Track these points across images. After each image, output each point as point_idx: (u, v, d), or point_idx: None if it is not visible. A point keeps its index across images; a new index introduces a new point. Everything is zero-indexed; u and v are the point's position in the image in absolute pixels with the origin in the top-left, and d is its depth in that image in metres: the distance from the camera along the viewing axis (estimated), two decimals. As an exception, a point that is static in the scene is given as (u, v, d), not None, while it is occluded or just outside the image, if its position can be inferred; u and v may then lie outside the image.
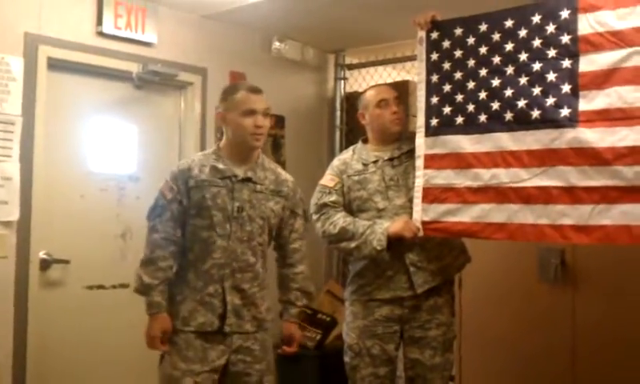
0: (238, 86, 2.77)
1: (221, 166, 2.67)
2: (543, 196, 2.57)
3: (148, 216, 2.69)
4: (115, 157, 3.83)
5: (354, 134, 4.81)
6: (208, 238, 2.62)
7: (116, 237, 3.78)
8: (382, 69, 4.93)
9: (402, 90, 4.42)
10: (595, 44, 2.50)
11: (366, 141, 3.13)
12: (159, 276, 2.60)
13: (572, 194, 2.51)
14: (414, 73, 4.65)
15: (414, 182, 2.92)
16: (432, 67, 2.88)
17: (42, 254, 3.48)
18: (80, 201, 3.66)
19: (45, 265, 3.51)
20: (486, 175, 2.71)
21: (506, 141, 2.67)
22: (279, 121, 4.70)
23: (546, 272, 3.52)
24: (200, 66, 4.16)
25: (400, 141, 3.06)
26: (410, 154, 2.99)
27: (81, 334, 3.63)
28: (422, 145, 2.89)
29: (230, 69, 4.35)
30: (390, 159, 3.00)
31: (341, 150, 4.79)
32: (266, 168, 2.76)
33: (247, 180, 2.68)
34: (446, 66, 2.83)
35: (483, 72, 2.73)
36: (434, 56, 2.87)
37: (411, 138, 3.05)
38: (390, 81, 4.81)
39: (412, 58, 4.61)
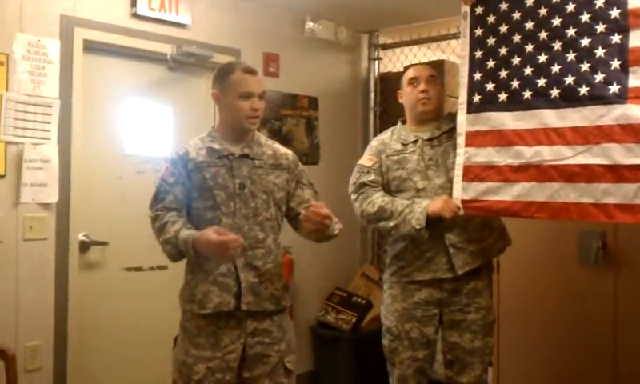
0: (233, 67, 2.66)
1: (217, 146, 2.60)
2: (586, 174, 2.52)
3: (151, 205, 2.61)
4: (151, 139, 3.84)
5: (388, 114, 4.79)
6: (213, 218, 2.55)
7: (153, 219, 3.79)
8: (417, 48, 4.88)
9: (437, 69, 4.36)
10: None
11: (405, 121, 3.09)
12: (177, 226, 2.49)
13: (616, 173, 2.45)
14: (449, 52, 4.63)
15: (453, 162, 2.89)
16: (476, 43, 2.83)
17: (81, 236, 3.52)
18: (117, 183, 3.68)
19: (84, 247, 3.54)
20: (528, 153, 2.66)
21: (550, 118, 2.61)
22: (313, 102, 4.67)
23: (586, 255, 3.45)
24: (233, 47, 4.14)
25: (439, 120, 3.02)
26: (450, 133, 2.95)
27: (120, 316, 3.67)
28: (463, 122, 2.85)
29: (263, 50, 4.34)
30: (430, 139, 2.97)
31: (375, 132, 4.78)
32: (262, 144, 2.69)
33: (245, 156, 2.61)
34: (491, 41, 2.78)
35: (529, 48, 2.68)
36: (479, 31, 2.82)
37: (451, 117, 3.02)
38: (425, 60, 4.74)
39: (447, 37, 4.57)
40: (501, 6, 2.76)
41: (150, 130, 3.84)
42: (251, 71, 2.62)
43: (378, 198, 2.92)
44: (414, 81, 2.99)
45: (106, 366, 3.64)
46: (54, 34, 3.36)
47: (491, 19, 2.78)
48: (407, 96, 3.02)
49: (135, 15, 3.66)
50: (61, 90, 3.36)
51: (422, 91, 2.96)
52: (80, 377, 3.48)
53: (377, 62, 5.00)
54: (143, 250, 3.74)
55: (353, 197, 3.00)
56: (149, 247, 3.72)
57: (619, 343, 3.37)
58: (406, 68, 3.27)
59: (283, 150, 2.76)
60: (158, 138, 3.87)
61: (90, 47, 3.51)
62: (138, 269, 3.77)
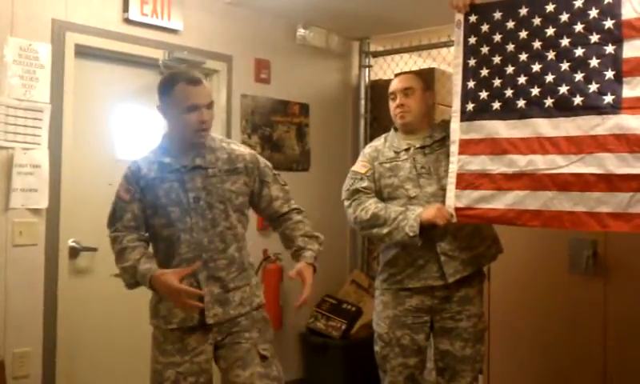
0: (176, 78, 2.48)
1: (167, 159, 2.50)
2: (580, 183, 2.53)
3: (108, 224, 2.53)
4: (142, 144, 3.82)
5: (378, 122, 4.80)
6: (171, 235, 2.48)
7: (142, 225, 3.76)
8: (408, 56, 4.91)
9: (427, 77, 4.39)
10: (639, 29, 2.44)
11: (397, 128, 3.10)
12: (136, 254, 2.42)
13: (609, 182, 2.47)
14: (440, 60, 4.66)
15: (445, 170, 2.90)
16: (469, 51, 2.84)
17: (70, 242, 3.49)
18: (108, 189, 3.60)
19: (73, 253, 3.52)
20: (522, 161, 2.67)
21: (544, 127, 2.63)
22: (303, 109, 4.68)
23: (577, 263, 3.47)
24: (225, 53, 4.14)
25: (431, 128, 3.03)
26: (442, 142, 2.97)
27: (108, 322, 3.64)
28: (457, 130, 2.85)
29: (254, 56, 4.34)
30: (422, 147, 2.98)
31: (365, 139, 4.80)
32: (216, 149, 2.55)
33: (197, 168, 2.50)
34: (484, 50, 2.79)
35: (523, 57, 2.69)
36: (472, 40, 2.83)
37: (443, 126, 3.03)
38: (415, 68, 4.77)
39: (438, 46, 4.60)
40: (495, 14, 2.77)
41: (142, 135, 3.82)
42: (195, 81, 2.46)
43: (372, 205, 2.92)
44: (391, 95, 3.03)
45: (95, 372, 3.61)
46: (45, 39, 3.34)
47: (485, 28, 2.80)
48: (389, 109, 3.05)
49: (127, 20, 3.65)
50: (52, 95, 3.34)
51: (398, 106, 2.98)
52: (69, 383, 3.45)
53: (367, 69, 5.02)
54: (133, 256, 3.73)
55: (346, 203, 3.01)
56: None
57: (609, 351, 3.39)
58: (397, 75, 3.28)
59: (239, 150, 2.61)
60: (149, 144, 3.84)
61: (82, 52, 3.49)
62: (128, 275, 3.73)
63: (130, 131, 3.77)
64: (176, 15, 3.85)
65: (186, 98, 2.42)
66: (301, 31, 4.57)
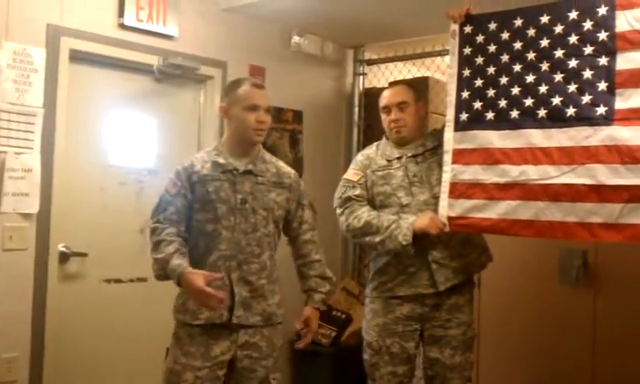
0: (242, 81, 2.77)
1: (222, 160, 2.67)
2: (571, 194, 2.55)
3: (152, 215, 2.66)
4: (135, 150, 3.82)
5: (372, 129, 4.80)
6: (213, 230, 2.62)
7: (134, 231, 3.73)
8: (402, 65, 4.91)
9: (421, 86, 4.40)
10: (633, 42, 2.47)
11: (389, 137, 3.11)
12: (170, 248, 2.52)
13: (600, 193, 2.49)
14: (434, 69, 4.67)
15: (437, 179, 2.91)
16: (464, 61, 2.86)
17: (60, 247, 3.46)
18: (99, 194, 3.65)
19: (63, 258, 3.48)
20: (514, 172, 2.69)
21: (537, 137, 2.65)
22: (297, 116, 4.68)
23: (567, 273, 3.50)
24: (220, 59, 4.14)
25: (424, 137, 3.04)
26: (434, 151, 2.98)
27: (98, 328, 3.61)
28: (450, 139, 2.87)
29: (249, 63, 4.33)
30: (414, 156, 2.99)
31: (358, 146, 4.80)
32: (267, 161, 2.76)
33: (248, 172, 2.68)
34: (479, 60, 2.81)
35: (517, 68, 2.71)
36: (467, 50, 2.85)
37: (435, 135, 3.05)
38: (409, 77, 4.78)
39: (432, 54, 4.61)
40: (490, 25, 2.79)
41: (135, 141, 3.82)
42: (258, 85, 2.74)
43: (364, 213, 2.93)
44: (385, 109, 3.03)
45: (83, 378, 3.58)
46: (39, 43, 3.32)
47: (480, 39, 2.82)
48: (383, 122, 3.06)
49: (122, 26, 3.63)
50: (45, 100, 3.32)
51: (393, 121, 2.99)
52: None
53: (362, 77, 5.02)
54: (123, 261, 3.72)
55: (338, 211, 3.01)
56: (129, 259, 3.74)
57: (597, 361, 3.41)
58: (389, 84, 3.28)
59: (286, 168, 2.83)
60: (141, 150, 3.85)
61: (76, 57, 3.48)
62: (118, 280, 3.72)
63: (123, 137, 3.77)
64: (171, 21, 3.85)
65: (248, 97, 2.67)
66: (296, 38, 4.58)
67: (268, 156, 2.81)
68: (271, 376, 2.70)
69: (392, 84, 4.49)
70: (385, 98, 3.05)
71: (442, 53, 4.38)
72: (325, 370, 4.36)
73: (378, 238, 2.88)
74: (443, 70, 4.39)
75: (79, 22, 3.48)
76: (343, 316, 4.51)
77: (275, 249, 2.77)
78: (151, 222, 2.64)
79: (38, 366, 3.33)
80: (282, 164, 2.84)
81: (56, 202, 3.38)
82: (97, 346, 3.62)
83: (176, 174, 2.68)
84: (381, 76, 5.01)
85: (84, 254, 3.56)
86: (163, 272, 2.52)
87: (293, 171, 2.85)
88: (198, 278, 2.43)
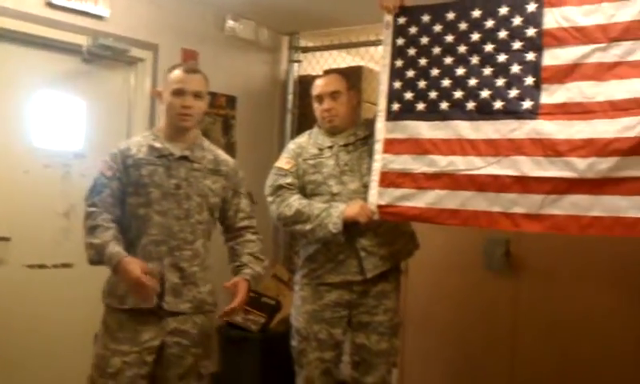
0: (176, 66, 2.74)
1: (158, 144, 2.65)
2: (496, 184, 2.62)
3: (87, 197, 2.61)
4: (61, 133, 3.72)
5: (305, 117, 4.79)
6: (145, 214, 2.59)
7: (59, 215, 3.63)
8: (337, 53, 4.92)
9: (355, 75, 4.44)
10: (559, 39, 2.55)
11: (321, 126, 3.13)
12: (107, 235, 2.50)
13: (523, 184, 2.57)
14: (368, 58, 4.71)
15: (367, 168, 2.94)
16: (397, 52, 2.88)
17: (-18, 231, 3.37)
18: (23, 177, 3.53)
19: (-15, 242, 3.39)
20: (443, 162, 2.74)
21: (465, 129, 2.71)
22: (230, 101, 4.64)
23: (491, 261, 3.60)
24: (152, 42, 4.05)
25: (355, 127, 3.07)
26: (365, 140, 3.01)
27: (21, 314, 3.50)
28: (382, 129, 2.90)
29: (182, 46, 4.27)
30: (345, 145, 3.01)
31: (292, 134, 4.79)
32: (205, 149, 2.74)
33: (184, 158, 2.65)
34: (411, 51, 2.85)
35: (448, 60, 2.76)
36: (400, 41, 2.88)
37: (366, 124, 3.08)
38: (344, 65, 4.80)
39: (367, 44, 4.64)
40: (423, 18, 2.82)
41: (62, 123, 3.71)
42: (190, 70, 2.69)
43: (295, 201, 2.94)
44: (318, 98, 3.04)
45: (4, 367, 3.47)
46: (-40, 19, 3.21)
47: (413, 30, 2.85)
48: (315, 111, 3.07)
49: (50, 4, 3.49)
50: (-34, 78, 3.21)
51: (326, 110, 3.00)
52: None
53: (296, 64, 5.00)
54: (47, 246, 3.62)
55: (269, 199, 3.01)
56: (53, 244, 3.64)
57: (518, 344, 3.54)
58: (324, 72, 3.29)
59: (225, 157, 2.80)
60: (68, 132, 3.75)
61: (2, 35, 3.35)
62: (42, 266, 3.61)
63: (49, 119, 3.65)
64: (103, 1, 3.75)
65: (176, 81, 2.63)
66: (230, 23, 4.53)
67: (207, 143, 2.78)
68: (200, 363, 2.67)
69: (326, 72, 4.50)
70: (317, 87, 3.05)
71: (376, 43, 4.40)
72: (253, 356, 4.35)
73: (308, 226, 2.90)
74: (377, 59, 4.43)
75: (4, -2, 3.35)
76: (273, 302, 4.52)
77: (209, 237, 2.74)
78: (86, 205, 2.59)
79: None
80: (220, 152, 2.81)
81: (-23, 185, 3.27)
82: (20, 331, 3.51)
83: (112, 156, 2.64)
84: (315, 64, 5.01)
85: (6, 239, 3.44)
86: (99, 258, 2.49)
87: (232, 160, 2.83)
88: (135, 267, 2.41)
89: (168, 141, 2.67)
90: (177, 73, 2.66)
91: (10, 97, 3.50)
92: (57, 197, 3.65)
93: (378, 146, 2.90)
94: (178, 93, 2.62)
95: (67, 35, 3.61)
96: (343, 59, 4.92)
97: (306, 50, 5.02)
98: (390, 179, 2.86)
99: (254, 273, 2.71)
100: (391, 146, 2.87)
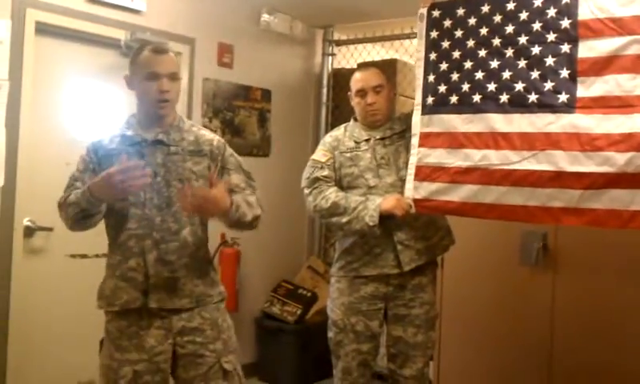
0: (142, 47, 2.47)
1: (129, 133, 2.44)
2: (531, 180, 2.59)
3: (63, 196, 2.45)
4: (101, 125, 3.78)
5: (340, 110, 4.84)
6: (121, 208, 2.39)
7: (100, 207, 3.72)
8: (371, 46, 4.94)
9: (389, 68, 4.44)
10: (595, 30, 2.50)
11: (357, 119, 3.14)
12: (78, 191, 2.34)
13: (560, 179, 2.53)
14: (402, 52, 4.71)
15: (404, 162, 2.94)
16: (431, 45, 2.87)
17: (26, 221, 3.45)
18: (65, 169, 3.54)
19: (29, 232, 3.47)
20: (477, 156, 2.72)
21: (498, 122, 2.68)
22: (266, 94, 4.69)
23: (527, 255, 3.57)
24: (188, 35, 4.12)
25: (392, 120, 3.08)
26: (402, 134, 3.02)
27: (62, 302, 3.60)
28: (418, 123, 2.89)
29: (218, 40, 4.33)
30: (382, 138, 3.02)
31: (326, 127, 4.82)
32: (183, 130, 2.49)
33: (159, 142, 2.43)
34: (445, 44, 2.83)
35: (482, 53, 2.73)
36: (434, 34, 2.87)
37: (403, 118, 3.08)
38: (378, 58, 4.81)
39: (401, 37, 4.64)
40: (457, 10, 2.81)
41: (101, 116, 3.78)
42: (159, 50, 2.43)
43: (332, 194, 2.96)
44: (361, 92, 3.02)
45: (48, 352, 3.57)
46: (4, 15, 3.27)
47: (447, 23, 2.84)
48: (356, 105, 3.06)
49: (90, -1, 3.60)
50: (10, 72, 3.28)
51: (370, 104, 3.00)
52: (21, 364, 3.42)
53: (331, 57, 5.04)
54: (88, 237, 3.63)
55: (306, 191, 3.03)
56: (94, 234, 3.68)
57: (555, 341, 3.49)
58: (359, 66, 3.29)
59: (209, 135, 2.56)
60: (108, 125, 3.81)
61: (43, 29, 3.44)
62: (83, 256, 3.70)
63: (89, 111, 3.73)
64: (140, -5, 3.82)
65: (147, 65, 2.39)
66: (265, 17, 4.57)
67: (188, 124, 2.54)
68: (223, 360, 2.47)
69: (361, 66, 4.51)
70: (359, 81, 3.04)
71: (410, 36, 4.42)
72: (290, 347, 4.41)
73: (345, 219, 2.91)
74: (411, 52, 4.43)
75: (46, -6, 3.43)
76: (309, 294, 4.57)
77: (200, 223, 2.49)
78: (60, 201, 2.44)
79: (2, 339, 3.32)
80: (204, 131, 2.57)
81: (21, 176, 3.36)
82: (61, 320, 3.61)
83: (86, 150, 2.48)
84: (350, 57, 5.03)
85: (49, 229, 3.53)
86: (78, 208, 2.32)
87: (216, 137, 2.57)
88: (108, 170, 2.22)
89: (141, 127, 2.45)
90: (146, 54, 2.41)
91: (52, 90, 3.59)
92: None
93: (415, 140, 2.89)
94: (152, 77, 2.37)
95: (106, 29, 3.71)
96: (377, 52, 4.94)
97: (340, 43, 5.04)
98: (425, 173, 2.85)
99: (240, 206, 2.41)
100: (427, 139, 2.87)
